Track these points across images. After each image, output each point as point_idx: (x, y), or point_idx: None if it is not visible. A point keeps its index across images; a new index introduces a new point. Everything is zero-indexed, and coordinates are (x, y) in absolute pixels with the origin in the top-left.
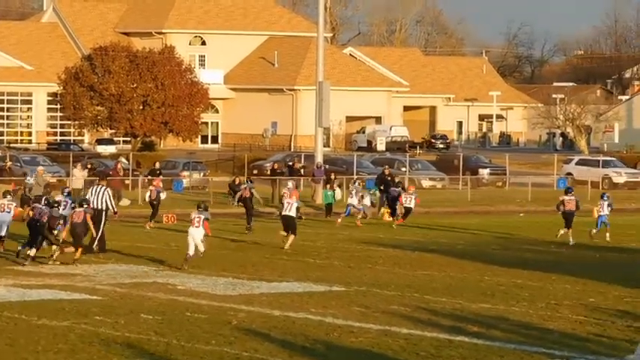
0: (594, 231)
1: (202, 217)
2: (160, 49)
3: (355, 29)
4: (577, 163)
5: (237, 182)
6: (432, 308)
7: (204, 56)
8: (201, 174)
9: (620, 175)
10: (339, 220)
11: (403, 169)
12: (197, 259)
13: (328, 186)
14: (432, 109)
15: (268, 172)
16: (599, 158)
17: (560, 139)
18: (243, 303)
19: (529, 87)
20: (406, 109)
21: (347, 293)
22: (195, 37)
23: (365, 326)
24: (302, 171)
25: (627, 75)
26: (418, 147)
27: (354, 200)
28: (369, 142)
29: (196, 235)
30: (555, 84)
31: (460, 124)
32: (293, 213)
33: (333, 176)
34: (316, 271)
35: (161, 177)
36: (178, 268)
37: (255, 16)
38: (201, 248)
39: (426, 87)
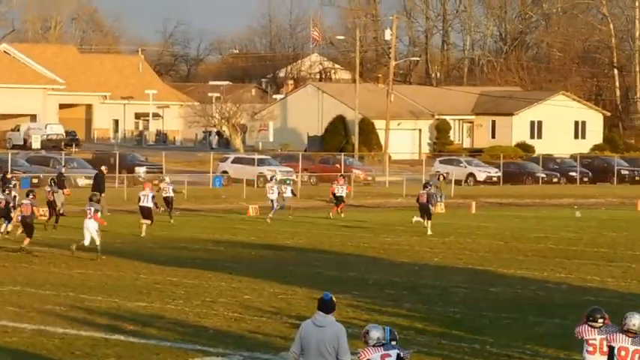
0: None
1: (93, 209)
2: None
3: (9, 26)
4: (233, 162)
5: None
6: (87, 307)
7: None
8: None
9: (277, 174)
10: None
11: (58, 167)
12: None
13: None
14: (89, 107)
15: None
16: (254, 157)
17: (216, 137)
18: None
19: (185, 85)
20: (62, 106)
21: (1, 293)
22: None
23: (19, 326)
24: None
25: (281, 74)
26: (74, 145)
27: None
28: (25, 140)
29: (91, 227)
30: (211, 82)
31: (117, 122)
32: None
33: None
34: None
35: None
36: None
37: None
38: (97, 240)
39: (82, 85)
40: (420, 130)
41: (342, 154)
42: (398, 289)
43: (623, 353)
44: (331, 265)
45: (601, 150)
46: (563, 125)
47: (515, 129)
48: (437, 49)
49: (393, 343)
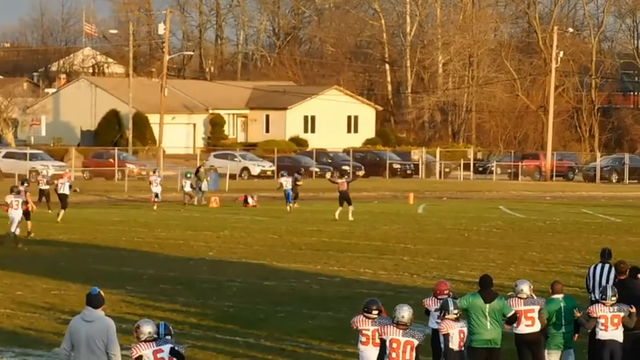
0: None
1: (20, 200)
2: None
3: None
4: (4, 156)
5: None
6: None
7: None
8: None
9: (48, 168)
10: None
11: None
12: None
13: None
14: None
15: None
16: (26, 151)
17: None
18: None
19: None
20: None
21: None
22: None
23: None
24: None
25: (54, 68)
26: None
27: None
28: None
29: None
30: None
31: None
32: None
33: None
34: None
35: None
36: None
37: None
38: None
39: None
40: (194, 124)
41: (116, 148)
42: (172, 283)
43: (394, 345)
44: (105, 260)
45: (373, 144)
46: (336, 119)
47: (289, 123)
48: (211, 44)
49: (168, 337)
